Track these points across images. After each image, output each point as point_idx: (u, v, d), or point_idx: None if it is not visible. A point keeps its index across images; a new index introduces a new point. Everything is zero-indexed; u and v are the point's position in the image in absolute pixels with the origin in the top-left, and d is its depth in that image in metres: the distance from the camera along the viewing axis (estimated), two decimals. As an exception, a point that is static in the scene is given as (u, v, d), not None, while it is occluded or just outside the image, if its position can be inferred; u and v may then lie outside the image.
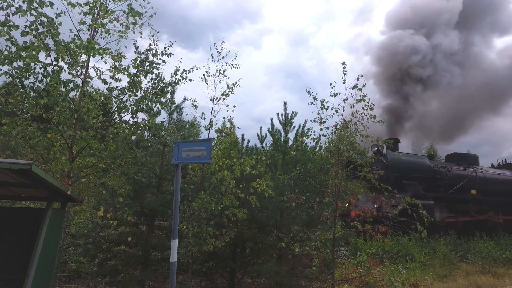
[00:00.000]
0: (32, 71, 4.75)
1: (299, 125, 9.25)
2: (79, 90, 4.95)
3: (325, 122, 4.79)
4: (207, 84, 6.49)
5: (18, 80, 5.21)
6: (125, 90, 5.92)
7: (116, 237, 5.88)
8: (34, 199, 4.98)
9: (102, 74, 6.18)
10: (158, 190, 7.48)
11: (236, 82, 6.53)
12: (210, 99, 6.58)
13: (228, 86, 6.50)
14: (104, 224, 5.23)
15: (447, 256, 11.90)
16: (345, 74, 4.81)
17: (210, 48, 6.71)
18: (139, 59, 6.17)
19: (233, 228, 5.88)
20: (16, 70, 5.13)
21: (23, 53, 4.68)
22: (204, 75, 6.49)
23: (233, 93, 6.51)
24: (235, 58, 6.71)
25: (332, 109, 4.83)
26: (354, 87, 4.82)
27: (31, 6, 4.64)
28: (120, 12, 6.11)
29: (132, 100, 5.88)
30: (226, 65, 6.60)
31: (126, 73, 6.06)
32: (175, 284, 3.90)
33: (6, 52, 5.00)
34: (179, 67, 6.08)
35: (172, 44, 6.32)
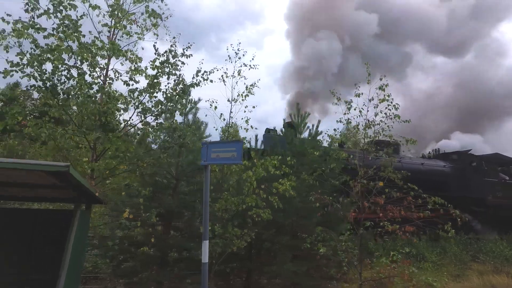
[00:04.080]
0: (59, 73, 4.78)
1: (313, 126, 9.29)
2: (104, 91, 4.97)
3: (351, 122, 4.81)
4: (225, 85, 6.52)
5: (41, 82, 5.25)
6: (145, 91, 5.93)
7: (143, 238, 5.90)
8: (60, 200, 5.02)
9: (121, 75, 6.21)
10: (174, 191, 7.51)
11: (254, 83, 6.56)
12: (228, 100, 6.60)
13: (246, 87, 6.52)
14: (132, 225, 5.25)
15: (459, 256, 11.87)
16: (369, 74, 4.82)
17: (227, 49, 6.74)
18: (157, 60, 6.19)
19: (253, 228, 5.89)
20: (38, 72, 5.17)
21: (49, 55, 4.71)
22: (222, 76, 6.51)
23: (253, 94, 6.53)
24: (252, 59, 6.72)
25: (355, 108, 4.84)
26: (380, 87, 4.82)
27: (58, 9, 4.67)
28: (138, 14, 6.15)
29: (153, 101, 5.90)
30: (244, 66, 6.62)
31: (144, 74, 6.08)
32: (207, 285, 3.91)
33: (28, 55, 5.06)
34: (201, 68, 6.09)
35: (191, 45, 6.33)
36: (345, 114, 4.89)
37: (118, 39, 5.84)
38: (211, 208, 5.97)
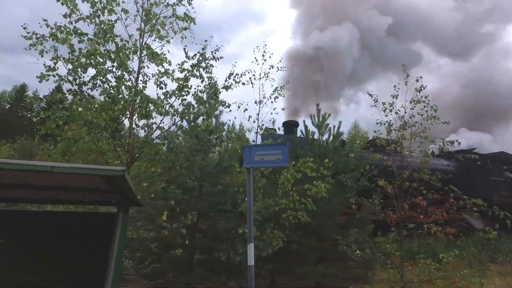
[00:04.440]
0: (100, 78, 4.84)
1: (333, 127, 9.30)
2: (142, 95, 5.02)
3: (392, 124, 4.81)
4: (252, 87, 6.54)
5: (77, 86, 5.32)
6: (174, 94, 5.96)
7: (181, 240, 5.96)
8: (100, 203, 5.08)
9: (150, 79, 6.25)
10: (199, 193, 7.55)
11: (284, 85, 6.57)
12: (255, 102, 6.62)
13: (275, 89, 6.53)
14: (174, 228, 5.31)
15: (478, 256, 11.75)
16: (408, 76, 4.82)
17: (254, 51, 6.76)
18: (185, 63, 6.22)
19: (285, 230, 5.92)
20: (72, 75, 5.25)
21: (91, 61, 4.77)
22: (250, 78, 6.51)
23: (282, 96, 6.55)
24: (280, 61, 6.72)
25: (391, 110, 4.85)
26: (420, 89, 4.82)
27: (97, 14, 4.73)
28: (165, 17, 6.17)
29: (183, 104, 5.94)
30: (272, 68, 6.62)
31: (171, 77, 6.11)
32: (253, 286, 3.94)
33: (62, 59, 5.13)
34: (233, 71, 6.11)
35: (219, 48, 6.35)
36: (386, 116, 4.91)
37: (150, 43, 5.89)
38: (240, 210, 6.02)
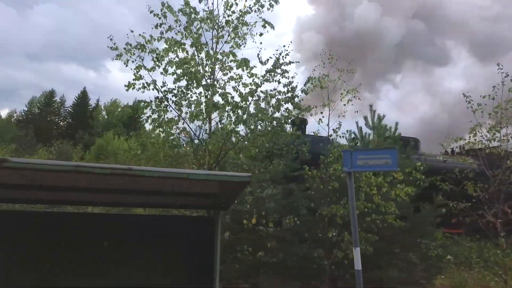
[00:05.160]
0: (194, 87, 5.03)
1: (390, 128, 9.16)
2: (232, 103, 5.15)
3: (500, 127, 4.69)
4: (321, 89, 6.51)
5: (162, 94, 5.56)
6: (247, 98, 6.05)
7: (277, 244, 6.08)
8: (196, 207, 5.24)
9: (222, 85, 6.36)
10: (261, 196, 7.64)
11: (355, 88, 6.52)
12: (323, 105, 6.60)
13: (347, 91, 6.49)
14: (270, 232, 5.43)
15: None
16: (507, 75, 4.69)
17: (320, 54, 6.76)
18: (254, 68, 6.29)
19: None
20: (153, 83, 5.49)
21: (178, 69, 4.97)
22: (320, 81, 6.49)
23: (359, 99, 6.52)
24: (349, 64, 6.67)
25: (496, 113, 4.73)
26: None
27: (189, 23, 4.92)
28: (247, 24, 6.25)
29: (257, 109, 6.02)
30: (340, 71, 6.58)
31: (240, 82, 6.21)
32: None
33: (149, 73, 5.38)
34: (313, 75, 6.14)
35: (289, 53, 6.36)
36: (489, 117, 4.77)
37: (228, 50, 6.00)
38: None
